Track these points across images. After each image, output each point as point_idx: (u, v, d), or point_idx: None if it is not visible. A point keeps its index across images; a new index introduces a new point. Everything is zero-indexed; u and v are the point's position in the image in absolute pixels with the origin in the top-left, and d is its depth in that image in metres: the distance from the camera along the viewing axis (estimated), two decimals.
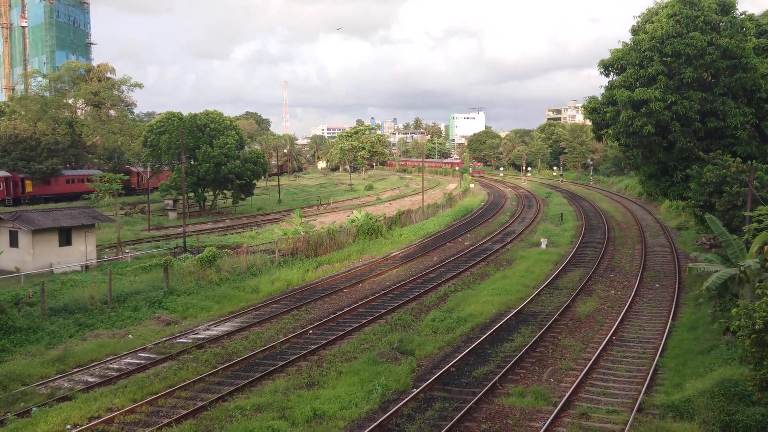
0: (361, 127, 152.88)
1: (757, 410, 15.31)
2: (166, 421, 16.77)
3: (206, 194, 70.20)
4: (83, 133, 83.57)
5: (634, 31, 37.44)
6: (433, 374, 19.96)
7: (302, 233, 42.43)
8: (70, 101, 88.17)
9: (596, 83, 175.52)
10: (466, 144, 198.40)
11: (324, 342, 23.45)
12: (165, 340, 24.21)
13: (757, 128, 35.50)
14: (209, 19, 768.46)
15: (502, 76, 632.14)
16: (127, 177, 65.07)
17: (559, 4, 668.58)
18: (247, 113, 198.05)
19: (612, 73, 37.78)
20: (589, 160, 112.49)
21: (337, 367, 20.70)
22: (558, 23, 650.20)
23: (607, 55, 37.40)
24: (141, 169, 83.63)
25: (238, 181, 67.56)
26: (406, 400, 17.75)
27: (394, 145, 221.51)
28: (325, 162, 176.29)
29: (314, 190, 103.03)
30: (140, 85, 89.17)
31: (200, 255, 33.58)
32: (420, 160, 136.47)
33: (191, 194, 67.75)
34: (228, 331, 25.33)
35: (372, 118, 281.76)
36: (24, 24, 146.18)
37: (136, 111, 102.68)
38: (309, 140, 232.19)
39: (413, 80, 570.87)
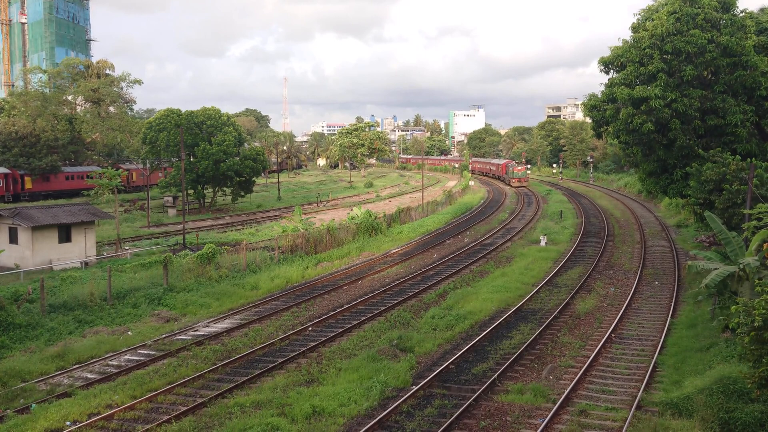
0: (360, 124, 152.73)
1: (756, 407, 15.32)
2: (165, 417, 16.78)
3: (205, 191, 70.17)
4: (83, 130, 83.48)
5: (634, 29, 37.36)
6: (432, 371, 19.97)
7: (302, 230, 42.45)
8: (69, 98, 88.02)
9: (590, 81, 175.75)
10: (465, 141, 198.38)
11: (323, 339, 23.46)
12: (164, 337, 24.23)
13: (757, 126, 35.45)
14: (204, 17, 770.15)
15: (498, 74, 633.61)
16: (125, 173, 65.09)
17: (549, 2, 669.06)
18: (247, 110, 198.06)
19: (612, 71, 37.70)
20: (588, 158, 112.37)
21: (337, 364, 20.71)
22: (549, 22, 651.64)
23: (600, 53, 37.52)
24: (137, 167, 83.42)
25: (237, 178, 67.53)
26: (405, 397, 17.76)
27: (393, 142, 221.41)
28: (324, 159, 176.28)
29: (314, 188, 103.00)
30: (139, 82, 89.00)
31: (200, 252, 33.57)
32: (420, 157, 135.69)
33: (191, 191, 67.76)
34: (227, 328, 25.34)
35: (372, 116, 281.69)
36: (23, 20, 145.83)
37: (135, 108, 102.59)
38: (309, 137, 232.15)
39: (410, 78, 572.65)
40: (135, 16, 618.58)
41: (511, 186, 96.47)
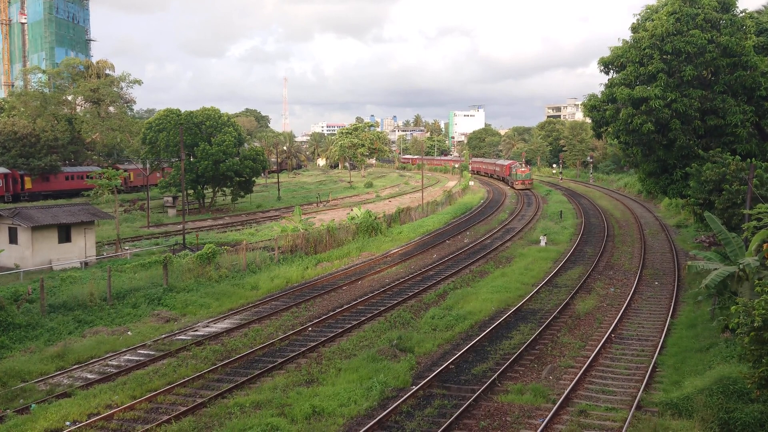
0: (360, 125, 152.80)
1: (756, 408, 15.32)
2: (165, 417, 16.77)
3: (205, 191, 70.19)
4: (82, 130, 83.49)
5: (634, 29, 37.38)
6: (432, 371, 19.96)
7: (302, 230, 42.44)
8: (69, 98, 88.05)
9: (590, 81, 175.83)
10: (465, 141, 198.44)
11: (323, 339, 23.46)
12: (164, 337, 24.22)
13: (757, 126, 35.48)
14: (204, 17, 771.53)
15: (497, 75, 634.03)
16: (125, 174, 65.07)
17: (549, 2, 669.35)
18: (247, 110, 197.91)
19: (612, 71, 37.71)
20: (588, 158, 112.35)
21: (337, 365, 20.71)
22: (549, 22, 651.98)
23: (600, 53, 37.61)
24: (135, 166, 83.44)
25: (237, 179, 67.56)
26: (405, 397, 17.75)
27: (393, 142, 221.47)
28: (324, 159, 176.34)
29: (314, 188, 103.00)
30: (139, 82, 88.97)
31: (199, 252, 33.57)
32: (420, 157, 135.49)
33: (190, 191, 67.78)
34: (227, 328, 25.34)
35: (372, 116, 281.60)
36: (23, 20, 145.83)
37: (135, 108, 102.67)
38: (308, 137, 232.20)
39: (410, 78, 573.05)
40: (135, 16, 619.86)
41: (514, 188, 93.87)
